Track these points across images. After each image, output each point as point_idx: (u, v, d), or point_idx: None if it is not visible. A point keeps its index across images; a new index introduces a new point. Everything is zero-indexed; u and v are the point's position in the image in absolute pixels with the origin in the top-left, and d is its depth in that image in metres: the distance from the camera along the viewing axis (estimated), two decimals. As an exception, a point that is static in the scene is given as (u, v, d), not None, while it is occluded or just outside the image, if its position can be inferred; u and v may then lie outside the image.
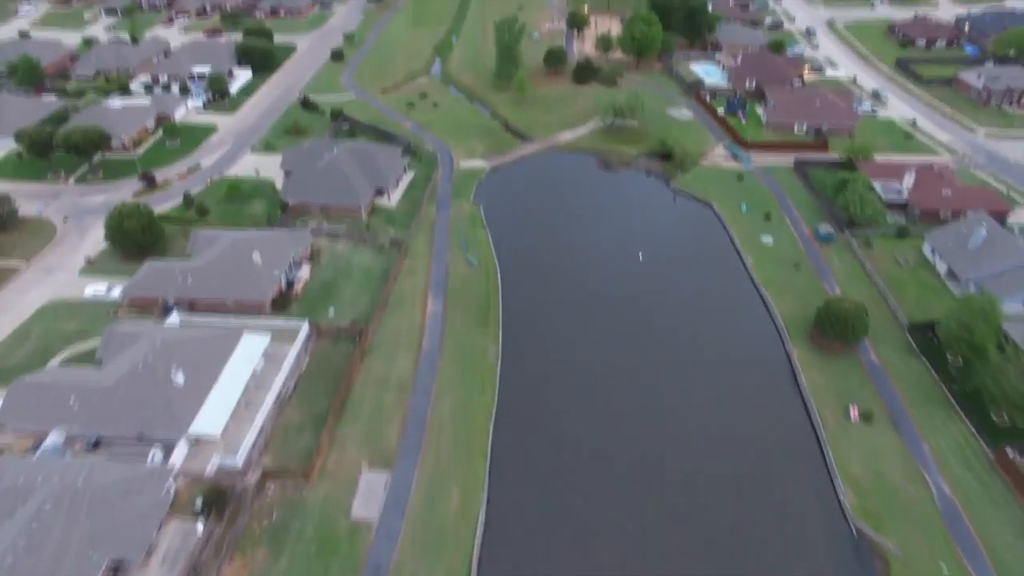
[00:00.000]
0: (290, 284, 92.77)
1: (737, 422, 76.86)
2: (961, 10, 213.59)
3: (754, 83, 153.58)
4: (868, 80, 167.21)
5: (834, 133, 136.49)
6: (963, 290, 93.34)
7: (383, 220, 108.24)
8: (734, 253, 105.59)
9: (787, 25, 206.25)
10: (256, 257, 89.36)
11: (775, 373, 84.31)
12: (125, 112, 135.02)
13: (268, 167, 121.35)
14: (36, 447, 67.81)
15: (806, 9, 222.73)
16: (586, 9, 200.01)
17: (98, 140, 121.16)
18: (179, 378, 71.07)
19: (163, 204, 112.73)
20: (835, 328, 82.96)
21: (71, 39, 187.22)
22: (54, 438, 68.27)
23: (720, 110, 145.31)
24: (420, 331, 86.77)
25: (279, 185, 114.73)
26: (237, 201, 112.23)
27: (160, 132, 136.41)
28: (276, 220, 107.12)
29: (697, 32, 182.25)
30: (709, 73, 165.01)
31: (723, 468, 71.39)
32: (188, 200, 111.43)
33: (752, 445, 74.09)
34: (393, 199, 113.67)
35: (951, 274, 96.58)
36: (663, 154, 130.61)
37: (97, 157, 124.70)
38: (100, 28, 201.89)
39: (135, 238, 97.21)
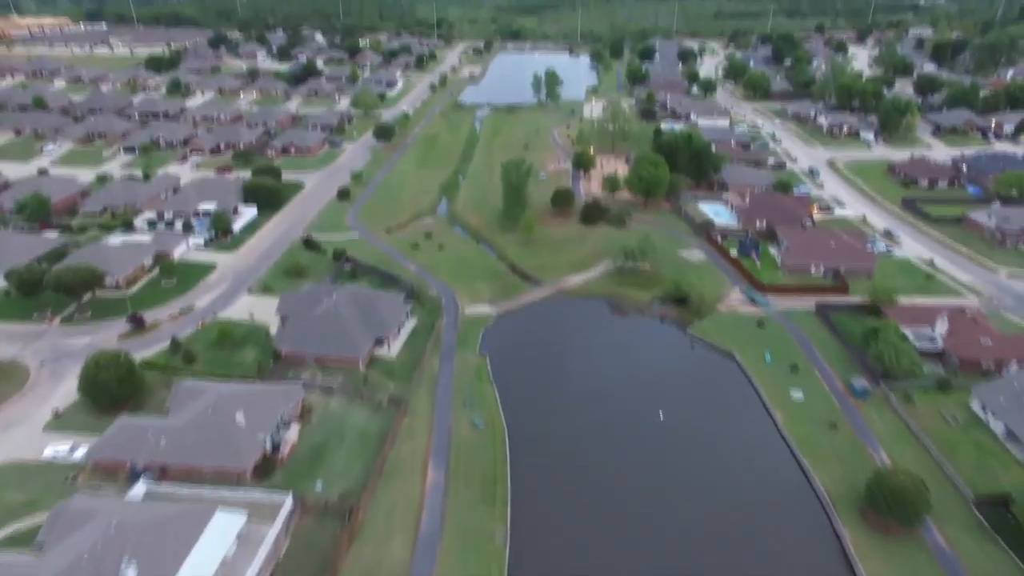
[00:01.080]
0: (276, 447, 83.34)
1: (792, 629, 64.65)
2: (953, 151, 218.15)
3: (764, 223, 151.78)
4: (877, 219, 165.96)
5: (852, 274, 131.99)
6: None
7: (382, 373, 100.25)
8: (762, 410, 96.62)
9: (789, 165, 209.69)
10: (240, 418, 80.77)
11: (826, 561, 72.80)
12: (123, 250, 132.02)
13: (264, 310, 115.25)
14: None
15: (805, 149, 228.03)
16: (592, 150, 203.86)
17: (90, 279, 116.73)
18: (130, 573, 60.20)
19: (149, 348, 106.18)
20: (891, 507, 72.82)
21: (87, 176, 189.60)
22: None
23: (733, 251, 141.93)
24: (418, 507, 76.19)
25: (273, 331, 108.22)
26: (228, 347, 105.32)
27: (156, 270, 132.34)
28: (267, 371, 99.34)
29: (703, 173, 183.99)
30: (718, 213, 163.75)
31: None
32: (176, 345, 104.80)
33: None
34: (393, 349, 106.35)
35: (1010, 435, 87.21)
36: (678, 299, 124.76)
37: (87, 296, 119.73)
38: (117, 165, 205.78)
39: (110, 390, 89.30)
